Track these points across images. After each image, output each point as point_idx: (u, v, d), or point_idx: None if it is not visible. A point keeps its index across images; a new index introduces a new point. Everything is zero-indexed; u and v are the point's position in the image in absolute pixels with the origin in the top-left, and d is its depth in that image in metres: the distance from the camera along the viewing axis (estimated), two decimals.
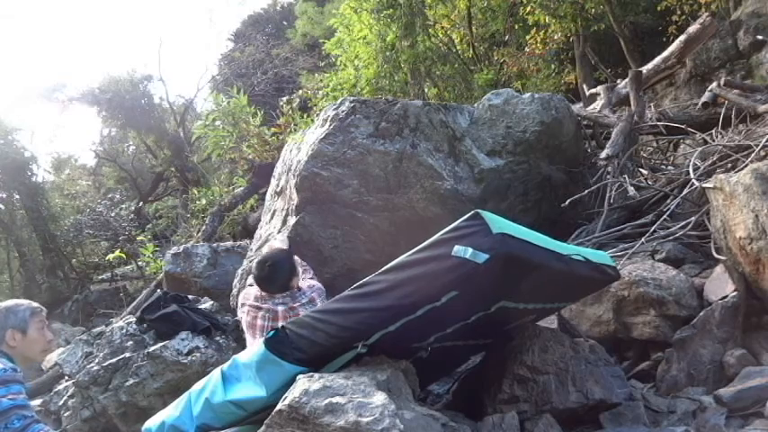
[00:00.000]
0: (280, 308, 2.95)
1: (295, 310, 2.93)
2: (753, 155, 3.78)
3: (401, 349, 2.30)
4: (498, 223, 2.00)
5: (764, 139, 3.82)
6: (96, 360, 4.14)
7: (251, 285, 3.19)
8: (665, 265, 3.29)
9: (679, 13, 9.13)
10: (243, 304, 3.08)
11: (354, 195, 3.91)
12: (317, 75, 12.67)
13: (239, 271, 4.53)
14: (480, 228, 1.96)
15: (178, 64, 34.65)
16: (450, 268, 1.96)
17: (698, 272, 3.41)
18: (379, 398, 1.86)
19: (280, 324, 2.79)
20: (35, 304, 2.52)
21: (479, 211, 2.02)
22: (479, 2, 11.06)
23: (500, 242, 1.93)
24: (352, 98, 3.99)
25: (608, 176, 4.42)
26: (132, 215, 13.47)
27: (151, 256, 8.25)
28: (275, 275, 2.97)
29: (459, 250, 1.93)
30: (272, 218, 4.60)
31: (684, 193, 3.94)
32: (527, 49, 10.61)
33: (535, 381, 2.56)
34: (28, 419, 2.15)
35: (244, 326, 3.08)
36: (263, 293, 2.99)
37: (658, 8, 9.47)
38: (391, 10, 8.91)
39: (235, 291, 4.51)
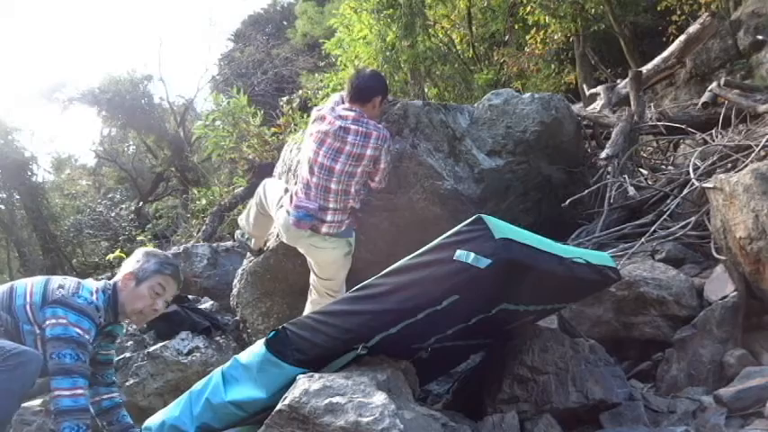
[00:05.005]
0: (352, 126, 3.17)
1: (366, 145, 3.20)
2: (753, 155, 3.78)
3: (401, 350, 2.31)
4: (500, 228, 1.99)
5: (764, 139, 3.82)
6: None
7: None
8: (665, 265, 3.28)
9: (679, 13, 9.12)
10: (320, 109, 3.27)
11: None
12: (316, 75, 12.65)
13: (239, 271, 4.53)
14: (482, 232, 1.96)
15: (178, 64, 34.77)
16: (451, 273, 1.96)
17: (698, 272, 3.40)
18: (379, 398, 1.87)
19: (340, 144, 3.16)
20: (171, 265, 2.33)
21: (482, 215, 2.01)
22: (479, 2, 11.04)
23: (502, 247, 1.93)
24: None
25: (608, 176, 4.42)
26: (132, 215, 13.48)
27: None
28: (366, 82, 3.28)
29: (461, 255, 1.93)
30: None
31: (684, 193, 3.93)
32: (527, 49, 10.59)
33: (535, 381, 2.56)
34: (81, 361, 2.09)
35: (306, 137, 3.29)
36: (343, 107, 3.24)
37: (658, 8, 9.46)
38: (391, 10, 8.91)
39: (234, 291, 4.51)
